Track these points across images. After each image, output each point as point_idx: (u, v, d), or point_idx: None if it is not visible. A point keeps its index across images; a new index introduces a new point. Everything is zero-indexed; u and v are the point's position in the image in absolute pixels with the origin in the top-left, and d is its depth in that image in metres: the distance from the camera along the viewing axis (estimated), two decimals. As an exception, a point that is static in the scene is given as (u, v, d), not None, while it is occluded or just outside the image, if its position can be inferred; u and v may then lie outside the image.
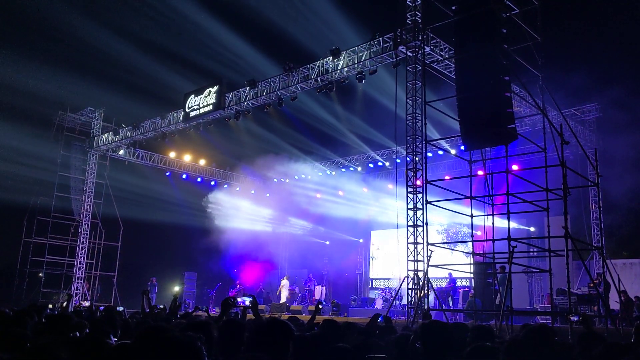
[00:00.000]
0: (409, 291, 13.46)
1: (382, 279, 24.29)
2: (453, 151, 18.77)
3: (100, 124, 24.11)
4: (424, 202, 12.53)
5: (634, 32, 18.78)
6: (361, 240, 25.89)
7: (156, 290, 22.67)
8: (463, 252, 17.32)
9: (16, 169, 22.01)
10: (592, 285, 13.84)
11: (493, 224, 11.65)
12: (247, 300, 16.45)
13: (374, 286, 24.53)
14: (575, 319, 7.71)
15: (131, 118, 22.79)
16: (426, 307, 12.25)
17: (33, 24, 22.52)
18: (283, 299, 21.41)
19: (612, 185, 17.83)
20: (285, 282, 21.97)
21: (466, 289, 18.13)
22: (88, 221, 23.65)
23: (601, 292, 13.12)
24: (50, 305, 17.03)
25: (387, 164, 23.30)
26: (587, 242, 16.84)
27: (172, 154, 25.04)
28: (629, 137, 17.01)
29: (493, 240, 11.53)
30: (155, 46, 23.02)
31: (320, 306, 6.33)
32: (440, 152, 19.03)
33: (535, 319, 14.98)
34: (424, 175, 12.89)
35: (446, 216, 17.88)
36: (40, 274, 22.93)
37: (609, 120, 18.30)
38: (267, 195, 27.25)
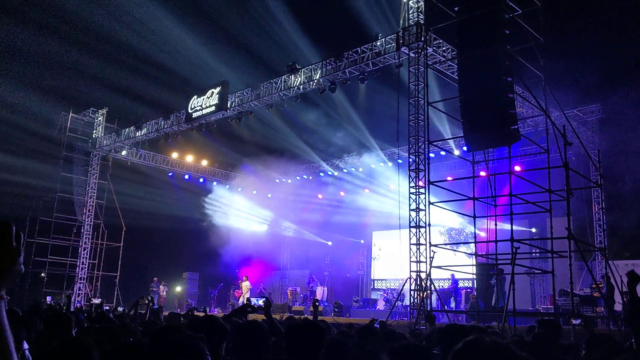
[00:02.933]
0: (411, 292, 13.45)
1: (384, 280, 24.28)
2: (457, 152, 18.76)
3: (102, 125, 24.15)
4: (427, 203, 12.52)
5: (638, 32, 18.75)
6: (362, 241, 25.87)
7: (159, 292, 22.69)
8: (465, 253, 17.31)
9: (19, 169, 22.06)
10: (594, 286, 13.81)
11: (496, 225, 11.64)
12: (260, 301, 16.45)
13: (376, 287, 24.51)
14: (577, 322, 7.68)
15: (134, 119, 22.85)
16: (428, 308, 12.24)
17: (34, 25, 22.56)
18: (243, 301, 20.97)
19: (615, 186, 17.80)
20: (246, 283, 21.88)
21: (469, 290, 18.11)
22: (90, 222, 23.68)
23: (604, 293, 13.10)
24: (49, 300, 17.08)
25: (389, 164, 23.28)
26: (589, 243, 16.81)
27: (174, 155, 25.07)
28: (632, 138, 16.98)
29: (496, 241, 11.52)
30: (158, 47, 23.04)
31: (317, 303, 6.35)
32: (443, 153, 19.00)
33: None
34: (427, 176, 12.88)
35: (449, 217, 17.88)
36: (43, 274, 22.96)
37: (612, 121, 18.26)
38: (269, 195, 27.26)
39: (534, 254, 15.45)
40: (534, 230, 18.99)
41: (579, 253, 11.06)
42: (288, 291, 23.99)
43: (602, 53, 19.09)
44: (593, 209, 18.71)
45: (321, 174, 25.57)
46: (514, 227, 10.75)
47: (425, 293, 12.43)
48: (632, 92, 16.66)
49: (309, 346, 3.09)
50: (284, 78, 17.83)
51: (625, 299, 13.17)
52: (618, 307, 13.95)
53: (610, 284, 13.46)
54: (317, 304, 6.04)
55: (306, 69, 17.21)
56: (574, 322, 7.98)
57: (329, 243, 26.41)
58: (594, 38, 19.02)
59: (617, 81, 18.12)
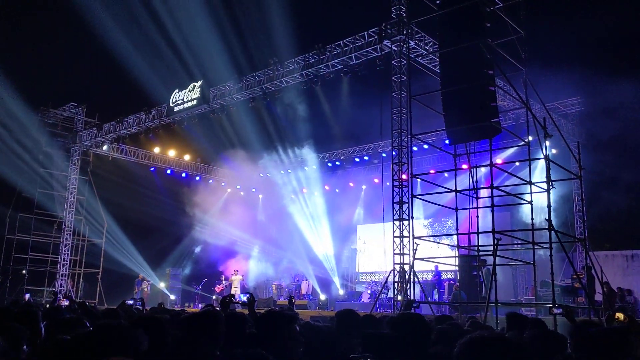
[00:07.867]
0: (395, 284, 13.52)
1: (368, 272, 24.36)
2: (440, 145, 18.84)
3: (83, 120, 23.84)
4: (410, 196, 12.57)
5: (617, 25, 18.94)
6: (347, 235, 25.89)
7: (142, 288, 22.46)
8: (448, 245, 17.42)
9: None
10: (575, 277, 14.00)
11: (478, 216, 11.71)
12: (244, 297, 16.41)
13: (360, 280, 24.59)
14: (558, 311, 7.78)
15: (115, 113, 22.57)
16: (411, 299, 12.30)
17: (15, 18, 22.15)
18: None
19: (594, 178, 18.01)
20: (238, 277, 21.85)
21: (451, 281, 18.25)
22: (71, 218, 23.41)
23: (584, 283, 13.28)
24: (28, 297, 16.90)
25: (374, 160, 23.26)
26: (570, 234, 17.02)
27: (156, 150, 24.85)
28: (611, 130, 17.20)
29: (477, 233, 11.60)
30: (139, 40, 22.74)
31: (293, 299, 6.55)
32: (426, 146, 19.06)
33: (520, 310, 15.13)
34: (410, 169, 12.92)
35: (431, 209, 17.96)
36: (24, 271, 22.65)
37: (592, 114, 18.47)
38: (253, 190, 27.17)
39: (515, 246, 15.59)
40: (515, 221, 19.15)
41: (560, 244, 11.18)
42: (273, 285, 23.98)
43: (582, 46, 19.28)
44: (573, 201, 18.93)
45: (305, 168, 25.54)
46: (496, 219, 10.80)
47: (407, 285, 12.49)
48: (612, 84, 16.86)
49: (277, 333, 3.31)
50: (266, 71, 17.74)
51: (604, 289, 13.38)
52: (598, 297, 14.16)
53: (590, 274, 13.63)
54: (292, 299, 6.24)
55: (288, 63, 17.13)
56: (555, 312, 8.09)
57: (318, 239, 26.35)
58: (575, 31, 19.18)
59: (598, 74, 18.31)
